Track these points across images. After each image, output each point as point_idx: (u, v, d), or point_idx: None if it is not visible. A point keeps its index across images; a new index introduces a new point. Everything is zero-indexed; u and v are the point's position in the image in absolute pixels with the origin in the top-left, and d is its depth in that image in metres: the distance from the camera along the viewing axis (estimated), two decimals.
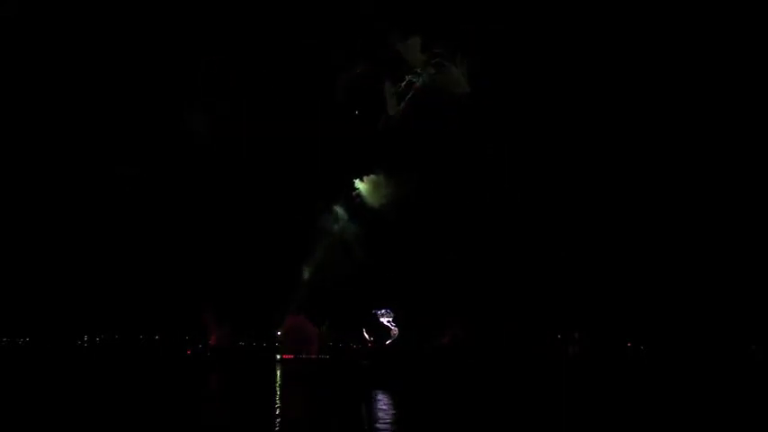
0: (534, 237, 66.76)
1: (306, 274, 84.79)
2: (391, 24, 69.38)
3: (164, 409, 30.84)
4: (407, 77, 71.63)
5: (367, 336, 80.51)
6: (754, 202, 62.48)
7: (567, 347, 66.44)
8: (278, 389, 42.70)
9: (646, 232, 65.91)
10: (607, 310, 65.86)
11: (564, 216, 68.93)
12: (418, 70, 71.50)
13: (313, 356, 74.97)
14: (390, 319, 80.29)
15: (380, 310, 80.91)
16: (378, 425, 25.61)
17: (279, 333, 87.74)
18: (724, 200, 63.48)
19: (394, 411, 30.84)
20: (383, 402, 34.23)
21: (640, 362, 60.85)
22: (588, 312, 66.10)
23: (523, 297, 68.26)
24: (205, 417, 28.94)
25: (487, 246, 66.66)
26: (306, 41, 72.57)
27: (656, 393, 37.77)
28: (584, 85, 67.09)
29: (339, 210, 79.78)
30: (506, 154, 68.16)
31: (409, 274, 72.92)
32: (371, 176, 75.68)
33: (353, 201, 77.80)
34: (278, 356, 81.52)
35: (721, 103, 63.82)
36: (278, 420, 27.14)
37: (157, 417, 28.21)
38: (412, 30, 70.32)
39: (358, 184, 76.47)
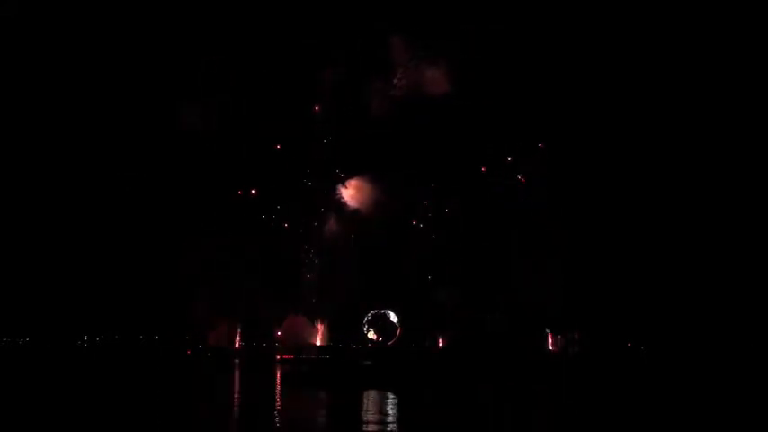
0: (533, 236, 66.85)
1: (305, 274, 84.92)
2: (377, 22, 69.30)
3: (164, 410, 31.05)
4: (391, 77, 71.48)
5: (374, 335, 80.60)
6: (754, 202, 62.56)
7: (566, 347, 66.57)
8: (278, 389, 42.92)
9: (646, 232, 66.02)
10: (607, 310, 65.95)
11: (563, 215, 69.04)
12: (400, 70, 71.44)
13: (313, 356, 75.13)
14: (395, 320, 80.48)
15: (381, 310, 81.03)
16: (380, 425, 25.82)
17: (279, 333, 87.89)
18: (724, 200, 63.58)
19: (396, 411, 31.04)
20: (385, 403, 34.44)
21: (640, 362, 61.00)
22: (588, 312, 66.19)
23: (522, 296, 68.35)
24: (205, 417, 29.13)
25: (485, 245, 66.74)
26: (292, 41, 72.61)
27: (656, 393, 37.96)
28: (577, 86, 67.13)
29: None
30: (504, 151, 68.21)
31: (407, 274, 73.07)
32: (354, 180, 75.59)
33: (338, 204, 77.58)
34: (278, 356, 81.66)
35: (720, 103, 63.92)
36: (278, 420, 27.35)
37: (158, 417, 28.41)
38: (397, 28, 70.10)
39: (341, 189, 76.35)
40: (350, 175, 76.56)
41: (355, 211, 76.23)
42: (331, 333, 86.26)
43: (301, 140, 76.10)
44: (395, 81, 72.14)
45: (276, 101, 76.42)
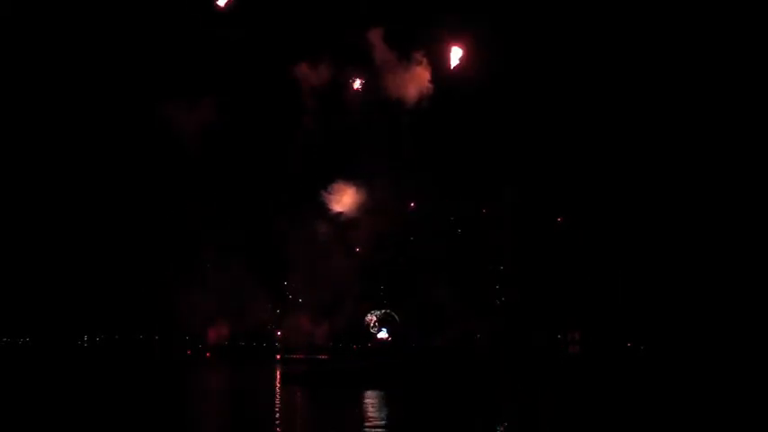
0: (533, 236, 67.03)
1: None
2: (362, 21, 69.26)
3: (164, 410, 31.24)
4: (370, 76, 71.43)
5: (385, 335, 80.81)
6: (754, 202, 62.74)
7: (567, 347, 66.86)
8: (277, 389, 43.14)
9: (645, 232, 66.24)
10: (607, 311, 66.19)
11: (564, 215, 69.24)
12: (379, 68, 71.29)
13: (313, 356, 75.32)
14: (398, 320, 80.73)
15: (386, 309, 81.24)
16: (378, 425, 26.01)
17: (279, 333, 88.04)
18: (724, 199, 63.76)
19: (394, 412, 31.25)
20: (383, 403, 34.65)
21: (640, 362, 61.20)
22: (588, 312, 66.46)
23: (523, 296, 68.60)
24: (205, 417, 29.32)
25: (482, 245, 66.95)
26: (276, 40, 72.70)
27: (656, 393, 38.17)
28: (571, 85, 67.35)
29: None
30: (501, 151, 68.40)
31: (406, 274, 73.32)
32: (337, 184, 75.68)
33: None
34: (277, 356, 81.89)
35: (721, 103, 64.07)
36: (277, 420, 27.54)
37: (158, 418, 28.60)
38: (379, 24, 70.01)
39: (325, 195, 76.40)
40: (333, 179, 76.56)
41: (339, 215, 76.28)
42: (333, 332, 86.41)
43: (289, 141, 76.04)
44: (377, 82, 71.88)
45: (261, 101, 76.57)
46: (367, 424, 26.65)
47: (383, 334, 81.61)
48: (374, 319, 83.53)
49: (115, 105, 78.52)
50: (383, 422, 27.01)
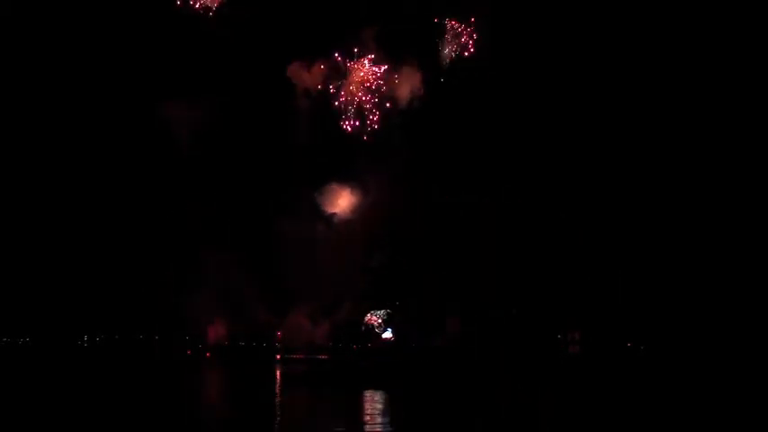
0: (533, 236, 67.07)
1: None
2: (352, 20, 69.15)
3: (164, 411, 31.33)
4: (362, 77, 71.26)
5: (390, 335, 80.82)
6: (754, 202, 62.80)
7: (567, 347, 66.92)
8: (277, 389, 43.26)
9: (645, 232, 66.29)
10: (607, 311, 66.24)
11: (564, 215, 69.28)
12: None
13: (313, 356, 75.38)
14: (395, 319, 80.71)
15: (381, 311, 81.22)
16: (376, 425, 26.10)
17: (279, 333, 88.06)
18: (724, 199, 63.82)
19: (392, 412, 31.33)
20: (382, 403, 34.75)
21: (640, 362, 61.35)
22: (588, 312, 66.50)
23: (523, 297, 68.66)
24: (205, 418, 29.40)
25: (483, 245, 67.01)
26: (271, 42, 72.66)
27: (655, 394, 38.25)
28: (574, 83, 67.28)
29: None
30: (501, 147, 68.35)
31: (404, 275, 73.41)
32: (330, 186, 75.62)
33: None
34: (277, 356, 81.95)
35: (721, 103, 64.12)
36: (277, 421, 27.65)
37: (158, 419, 28.70)
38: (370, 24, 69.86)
39: (319, 197, 76.41)
40: (328, 180, 76.54)
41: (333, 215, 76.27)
42: (333, 332, 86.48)
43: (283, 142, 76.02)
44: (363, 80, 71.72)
45: (259, 101, 76.51)
46: (367, 424, 26.72)
47: (388, 334, 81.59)
48: (377, 319, 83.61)
49: (114, 105, 78.66)
50: (384, 422, 27.09)
